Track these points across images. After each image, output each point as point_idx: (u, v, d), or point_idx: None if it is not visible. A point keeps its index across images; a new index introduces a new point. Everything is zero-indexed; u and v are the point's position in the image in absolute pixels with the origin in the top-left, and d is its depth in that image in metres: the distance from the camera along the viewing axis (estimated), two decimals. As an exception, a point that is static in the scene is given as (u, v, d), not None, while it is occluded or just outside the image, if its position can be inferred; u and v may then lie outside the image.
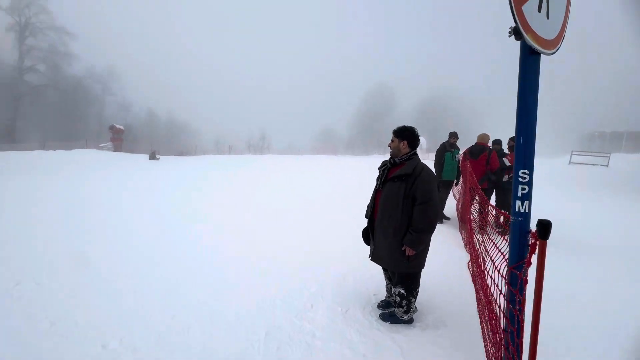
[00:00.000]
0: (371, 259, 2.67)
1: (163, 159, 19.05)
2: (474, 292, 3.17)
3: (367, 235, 2.74)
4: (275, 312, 2.70)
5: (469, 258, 4.12)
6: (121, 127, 24.71)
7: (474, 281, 3.34)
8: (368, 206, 2.77)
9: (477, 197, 4.88)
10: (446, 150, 5.89)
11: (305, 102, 67.14)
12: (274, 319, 2.60)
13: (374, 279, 3.32)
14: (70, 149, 19.73)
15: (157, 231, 4.72)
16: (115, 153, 20.94)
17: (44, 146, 21.97)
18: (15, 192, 7.03)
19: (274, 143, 46.23)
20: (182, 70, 62.82)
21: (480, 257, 2.84)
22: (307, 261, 3.83)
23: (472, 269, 3.66)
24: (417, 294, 2.58)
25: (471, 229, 4.21)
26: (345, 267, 3.65)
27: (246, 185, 9.40)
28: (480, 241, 3.11)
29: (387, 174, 2.58)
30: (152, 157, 18.19)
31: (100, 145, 23.34)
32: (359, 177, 11.45)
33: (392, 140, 2.62)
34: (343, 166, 15.19)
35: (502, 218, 2.38)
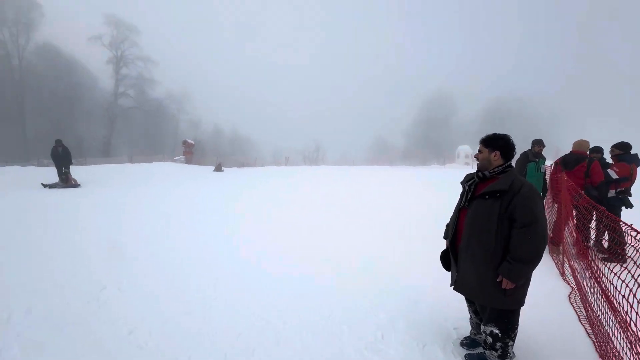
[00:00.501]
0: (454, 289, 2.30)
1: (227, 170, 20.41)
2: (586, 334, 2.56)
3: (447, 259, 2.37)
4: (342, 339, 2.47)
5: (570, 290, 3.41)
6: (192, 142, 27.24)
7: (589, 320, 2.70)
8: (448, 226, 2.41)
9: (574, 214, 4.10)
10: (529, 160, 5.12)
11: (359, 113, 67.12)
12: (341, 347, 2.37)
13: (451, 308, 2.89)
14: (151, 162, 22.30)
15: (221, 243, 4.87)
16: (186, 165, 23.12)
17: (131, 159, 25.20)
18: (106, 200, 8.00)
19: (329, 154, 46.75)
20: (244, 88, 67.74)
21: (604, 294, 2.26)
22: (371, 282, 3.54)
23: (581, 304, 3.00)
24: (515, 335, 2.12)
25: (579, 254, 3.51)
26: (416, 291, 3.27)
27: (300, 197, 9.45)
28: (597, 270, 2.50)
29: (475, 189, 2.21)
30: (218, 168, 19.59)
31: (175, 158, 25.99)
32: (418, 188, 10.75)
33: (480, 151, 2.24)
34: (399, 177, 14.53)
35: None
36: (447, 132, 58.48)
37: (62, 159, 10.40)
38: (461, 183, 2.37)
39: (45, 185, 9.79)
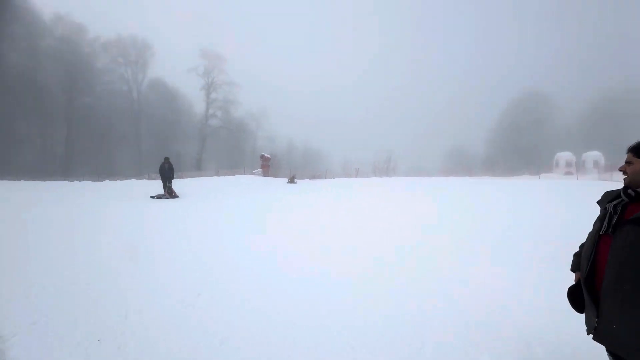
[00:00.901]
0: (594, 338, 1.79)
1: (299, 182, 21.24)
2: None
3: (580, 298, 1.88)
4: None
5: None
6: (268, 156, 29.24)
7: None
8: (577, 255, 1.92)
9: None
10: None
11: (431, 120, 63.55)
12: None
13: (578, 357, 2.30)
14: (234, 175, 24.60)
15: (296, 258, 4.91)
16: (263, 177, 24.85)
17: (218, 173, 28.23)
18: (199, 209, 8.97)
19: (400, 165, 45.10)
20: (315, 102, 70.54)
21: None
22: (464, 311, 3.08)
23: None
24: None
25: None
26: (527, 329, 2.72)
27: (368, 209, 9.12)
28: None
29: (624, 212, 1.71)
30: (291, 180, 20.53)
31: (253, 171, 28.21)
32: (510, 200, 9.42)
33: (630, 162, 1.74)
34: (485, 189, 13.01)
35: None
36: (539, 137, 51.12)
37: (168, 173, 12.13)
38: (599, 202, 1.87)
39: (152, 197, 11.48)
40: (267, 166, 27.99)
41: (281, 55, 71.80)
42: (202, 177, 24.64)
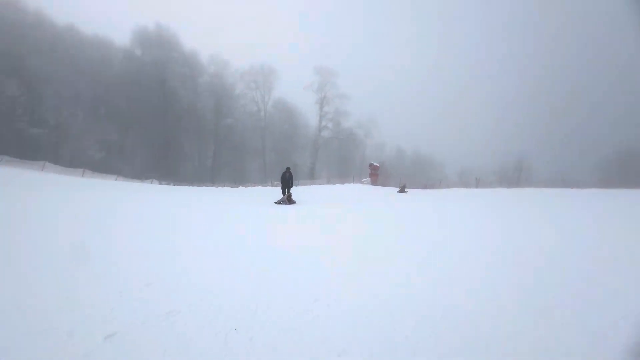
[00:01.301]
0: None
1: (410, 191, 20.16)
2: None
3: None
4: None
5: None
6: (377, 165, 29.02)
7: None
8: None
9: None
10: None
11: (581, 120, 50.67)
12: None
13: None
14: (344, 183, 25.39)
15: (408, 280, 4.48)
16: (372, 186, 24.73)
17: (329, 181, 29.74)
18: (316, 215, 9.49)
19: (535, 173, 37.55)
20: (426, 107, 66.64)
21: None
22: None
23: None
24: None
25: None
26: None
27: (500, 229, 7.65)
28: None
29: None
30: (402, 190, 19.71)
31: (362, 180, 28.47)
32: None
33: None
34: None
35: None
36: None
37: (288, 182, 13.43)
38: None
39: (276, 202, 12.86)
40: (376, 175, 27.80)
41: (388, 69, 71.21)
42: (314, 185, 26.45)
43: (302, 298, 3.24)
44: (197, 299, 3.11)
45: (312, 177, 48.85)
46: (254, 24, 77.25)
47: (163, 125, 44.75)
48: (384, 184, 26.50)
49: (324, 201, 13.99)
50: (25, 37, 34.17)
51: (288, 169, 13.80)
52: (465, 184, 30.99)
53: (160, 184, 30.11)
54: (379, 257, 4.79)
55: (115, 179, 26.65)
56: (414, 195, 18.13)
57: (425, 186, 27.62)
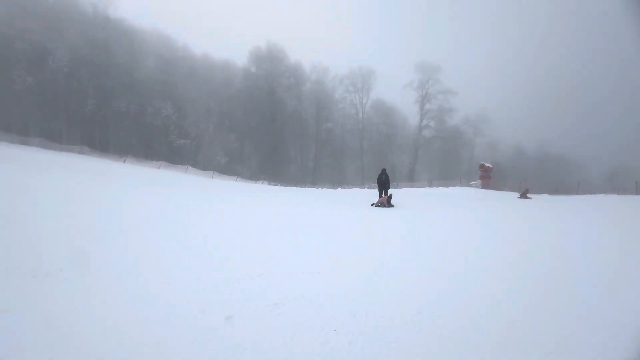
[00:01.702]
0: None
1: (535, 197, 16.92)
2: None
3: None
4: None
5: None
6: (489, 165, 25.51)
7: None
8: None
9: None
10: None
11: None
12: None
13: None
14: (448, 186, 23.24)
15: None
16: (483, 190, 21.83)
17: (430, 184, 27.76)
18: (417, 220, 8.94)
19: None
20: (552, 99, 55.12)
21: None
22: None
23: None
24: None
25: None
26: None
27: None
28: None
29: None
30: (523, 195, 16.72)
31: (471, 182, 25.49)
32: None
33: None
34: None
35: None
36: None
37: (384, 183, 13.11)
38: None
39: (373, 204, 12.67)
40: (488, 177, 24.47)
41: (496, 51, 61.79)
42: (414, 188, 25.07)
43: (405, 309, 3.02)
44: (300, 294, 3.27)
45: (411, 179, 46.55)
46: (352, 28, 78.92)
47: (271, 131, 50.15)
48: (497, 187, 23.04)
49: (428, 206, 13.07)
50: (176, 67, 43.69)
51: (384, 170, 13.49)
52: (619, 189, 24.09)
53: (269, 184, 33.74)
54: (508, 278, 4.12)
55: (235, 180, 31.22)
56: (540, 201, 15.15)
57: (555, 191, 22.72)
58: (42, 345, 2.20)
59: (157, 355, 2.18)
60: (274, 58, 52.34)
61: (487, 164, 25.62)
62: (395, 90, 56.05)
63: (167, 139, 38.19)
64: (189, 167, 31.86)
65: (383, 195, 12.87)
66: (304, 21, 80.00)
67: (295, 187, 29.76)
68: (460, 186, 24.15)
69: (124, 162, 27.75)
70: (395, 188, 23.40)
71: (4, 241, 4.17)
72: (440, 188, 22.82)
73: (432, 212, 10.93)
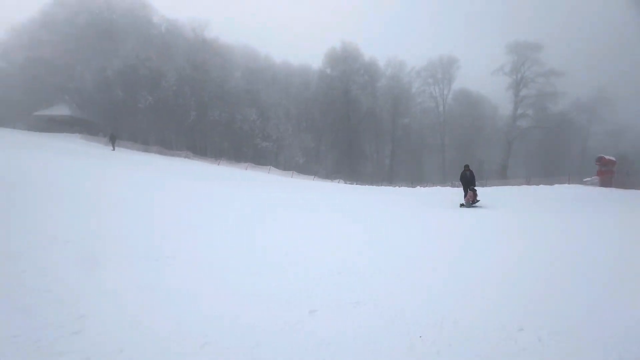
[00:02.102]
0: None
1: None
2: None
3: None
4: None
5: None
6: (611, 158, 20.84)
7: None
8: None
9: None
10: None
11: None
12: None
13: None
14: (552, 184, 19.85)
15: None
16: (601, 188, 17.96)
17: (528, 181, 24.12)
18: (511, 223, 7.89)
19: None
20: None
21: None
22: None
23: None
24: None
25: None
26: None
27: None
28: None
29: None
30: (663, 195, 13.18)
31: (585, 179, 21.21)
32: None
33: None
34: None
35: None
36: None
37: (469, 181, 11.93)
38: None
39: (462, 205, 11.64)
40: (609, 172, 20.04)
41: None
42: (507, 186, 22.13)
43: (504, 323, 2.69)
44: (382, 295, 3.21)
45: (503, 175, 41.19)
46: (428, 17, 73.84)
47: (346, 130, 50.55)
48: (623, 186, 18.62)
49: (529, 207, 11.44)
50: (259, 76, 47.73)
51: (467, 167, 12.28)
52: None
53: (345, 183, 34.09)
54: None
55: (313, 179, 32.45)
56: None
57: None
58: (166, 315, 2.66)
59: (248, 336, 2.41)
60: (348, 57, 52.63)
61: (607, 157, 20.99)
62: (483, 78, 50.44)
63: (253, 142, 41.97)
64: (271, 167, 34.40)
65: (469, 191, 11.71)
66: (380, 19, 78.21)
67: (370, 186, 29.41)
68: (569, 184, 20.34)
69: (218, 164, 31.54)
70: (482, 186, 21.06)
71: (139, 231, 5.16)
72: (542, 186, 19.57)
73: (535, 215, 9.50)
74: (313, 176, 35.64)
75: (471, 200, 11.41)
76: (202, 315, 2.75)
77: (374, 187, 27.81)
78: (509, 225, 7.66)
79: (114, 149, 25.14)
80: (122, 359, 2.11)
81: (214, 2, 57.42)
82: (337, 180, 35.04)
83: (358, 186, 27.34)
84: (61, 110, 33.73)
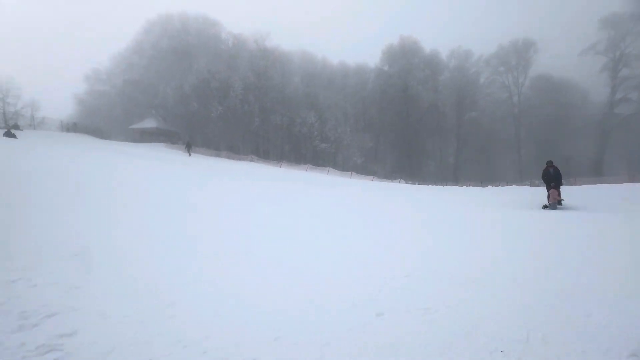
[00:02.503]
0: None
1: None
2: None
3: None
4: None
5: None
6: None
7: None
8: None
9: None
10: None
11: None
12: None
13: None
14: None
15: None
16: None
17: (631, 178, 20.25)
18: (602, 228, 6.70)
19: None
20: None
21: None
22: None
23: None
24: None
25: None
26: None
27: None
28: None
29: None
30: None
31: None
32: None
33: None
34: None
35: None
36: None
37: (553, 178, 10.46)
38: None
39: (545, 206, 10.28)
40: None
41: None
42: (604, 184, 18.86)
43: (610, 349, 2.30)
44: (454, 301, 3.02)
45: (598, 172, 35.20)
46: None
47: (406, 128, 48.62)
48: None
49: (633, 209, 9.65)
50: (317, 79, 48.82)
51: (550, 163, 10.76)
52: None
53: (406, 183, 32.80)
54: None
55: (372, 179, 31.94)
56: None
57: None
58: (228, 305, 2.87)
59: (316, 333, 2.47)
60: (407, 52, 50.72)
61: None
62: (567, 60, 43.96)
63: (312, 144, 43.05)
64: (330, 168, 34.82)
65: (552, 190, 10.27)
66: (440, 9, 73.72)
67: (434, 186, 27.81)
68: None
69: (280, 166, 33.09)
70: (570, 185, 18.30)
71: (216, 230, 5.69)
72: (653, 184, 16.24)
73: None
74: (372, 176, 35.12)
75: (556, 201, 10.03)
76: (274, 309, 2.91)
77: (439, 187, 26.22)
78: (608, 230, 6.51)
79: (190, 155, 28.20)
80: (208, 345, 2.34)
81: (273, 13, 60.66)
82: (398, 180, 33.95)
83: (421, 186, 26.08)
84: (149, 123, 38.97)
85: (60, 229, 4.56)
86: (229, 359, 2.19)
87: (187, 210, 6.90)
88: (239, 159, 34.20)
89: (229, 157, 34.15)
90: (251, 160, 34.49)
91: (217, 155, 34.11)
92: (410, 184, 31.76)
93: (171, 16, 47.52)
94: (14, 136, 18.08)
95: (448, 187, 26.98)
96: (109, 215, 5.59)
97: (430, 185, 28.16)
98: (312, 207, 9.35)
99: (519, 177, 39.36)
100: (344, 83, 51.50)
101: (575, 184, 19.71)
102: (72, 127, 33.12)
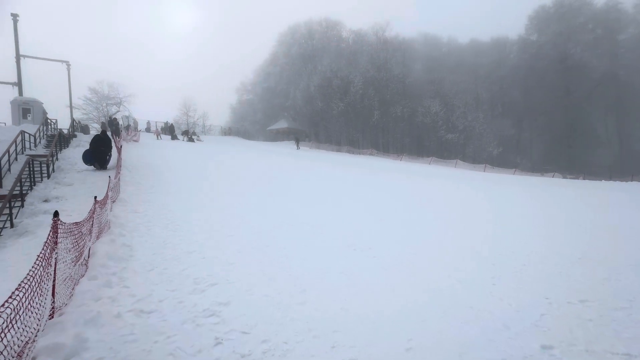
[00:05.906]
0: None
1: None
2: None
3: None
4: None
5: None
6: None
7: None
8: None
9: None
10: None
11: None
12: None
13: None
14: None
15: None
16: None
17: None
18: None
19: None
20: None
21: None
22: None
23: None
24: None
25: None
26: None
27: None
28: None
29: None
30: None
31: None
32: None
33: None
34: None
35: None
36: None
37: None
38: None
39: None
40: None
41: None
42: None
43: None
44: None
45: None
46: None
47: (564, 108, 38.47)
48: None
49: None
50: (442, 63, 44.42)
51: None
52: None
53: (564, 177, 26.16)
54: None
55: (513, 173, 26.84)
56: None
57: None
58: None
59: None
60: (566, 13, 40.06)
61: None
62: None
63: (436, 135, 39.70)
64: (458, 160, 31.26)
65: None
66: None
67: (611, 181, 21.08)
68: None
69: (400, 160, 31.90)
70: None
71: (343, 223, 5.85)
72: None
73: None
74: (513, 169, 29.62)
75: None
76: (394, 309, 2.68)
77: (622, 183, 19.65)
78: None
79: (298, 148, 30.74)
80: (336, 338, 2.31)
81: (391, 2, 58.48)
82: (551, 174, 27.54)
83: (591, 182, 20.17)
84: (282, 124, 44.33)
85: (223, 212, 5.61)
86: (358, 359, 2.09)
87: (316, 201, 7.37)
88: (359, 153, 34.84)
89: (349, 152, 35.28)
90: (371, 154, 34.60)
91: (339, 150, 35.73)
92: (570, 178, 25.21)
93: (299, 25, 52.46)
94: (192, 140, 23.79)
95: (635, 182, 19.97)
96: (265, 204, 6.52)
97: (604, 181, 21.47)
98: (447, 205, 8.50)
99: None
100: (475, 63, 44.89)
101: None
102: (228, 131, 41.33)
